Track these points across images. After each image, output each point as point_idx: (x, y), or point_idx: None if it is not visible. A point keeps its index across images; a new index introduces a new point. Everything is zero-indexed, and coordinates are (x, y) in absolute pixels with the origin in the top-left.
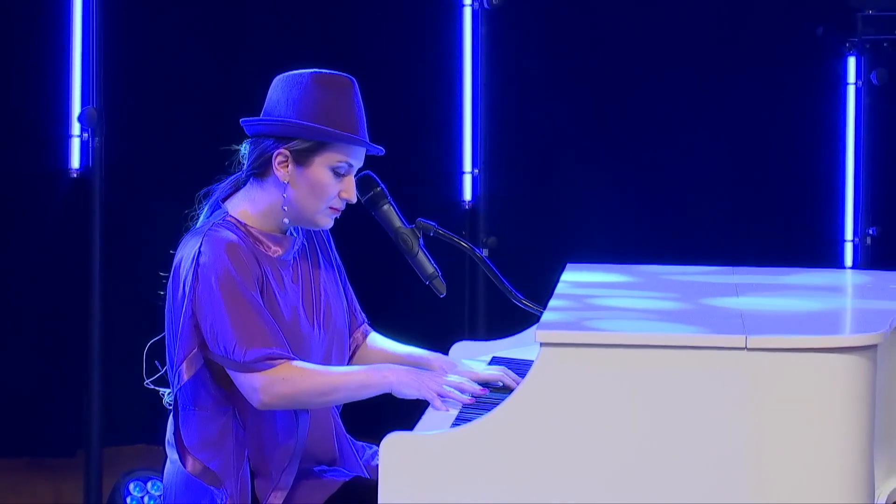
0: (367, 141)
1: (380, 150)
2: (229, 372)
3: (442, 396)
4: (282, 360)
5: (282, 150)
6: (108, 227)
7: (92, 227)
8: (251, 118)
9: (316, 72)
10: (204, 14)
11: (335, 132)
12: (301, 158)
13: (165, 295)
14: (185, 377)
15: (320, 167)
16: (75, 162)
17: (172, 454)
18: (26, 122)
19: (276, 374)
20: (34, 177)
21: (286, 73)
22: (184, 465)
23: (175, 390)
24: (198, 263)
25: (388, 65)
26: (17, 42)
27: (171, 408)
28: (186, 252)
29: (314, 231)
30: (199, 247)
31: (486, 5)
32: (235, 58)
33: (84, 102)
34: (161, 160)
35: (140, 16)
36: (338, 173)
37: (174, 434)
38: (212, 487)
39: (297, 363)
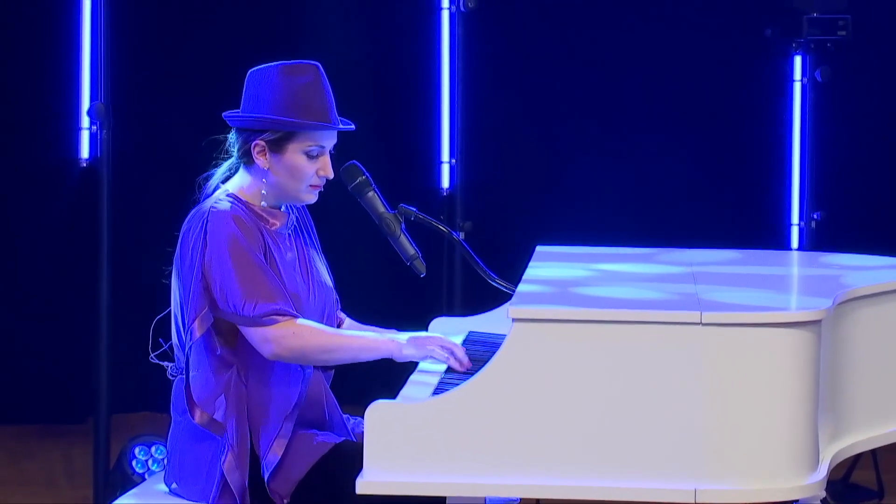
0: (335, 122)
1: (350, 126)
2: (240, 327)
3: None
4: (287, 317)
5: (258, 142)
6: (115, 212)
7: (100, 211)
8: (231, 112)
9: (282, 64)
10: (204, 14)
11: (299, 122)
12: (275, 147)
13: (170, 271)
14: (197, 334)
15: (294, 153)
16: (85, 152)
17: (177, 416)
18: (40, 116)
19: (287, 328)
20: (47, 166)
21: (256, 68)
22: (192, 416)
23: (187, 348)
24: (206, 231)
25: (373, 65)
26: (31, 43)
27: (174, 379)
28: (193, 223)
29: (299, 212)
30: (207, 216)
31: (462, 8)
32: (234, 56)
33: (93, 97)
34: (164, 151)
35: (144, 17)
36: (311, 156)
37: (184, 388)
38: (216, 439)
39: (303, 321)
